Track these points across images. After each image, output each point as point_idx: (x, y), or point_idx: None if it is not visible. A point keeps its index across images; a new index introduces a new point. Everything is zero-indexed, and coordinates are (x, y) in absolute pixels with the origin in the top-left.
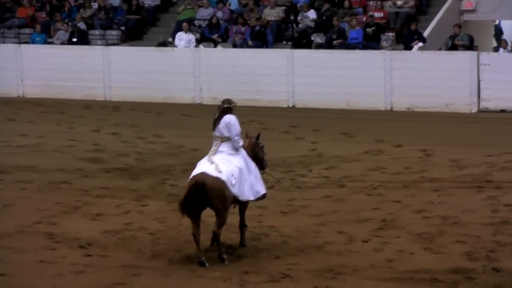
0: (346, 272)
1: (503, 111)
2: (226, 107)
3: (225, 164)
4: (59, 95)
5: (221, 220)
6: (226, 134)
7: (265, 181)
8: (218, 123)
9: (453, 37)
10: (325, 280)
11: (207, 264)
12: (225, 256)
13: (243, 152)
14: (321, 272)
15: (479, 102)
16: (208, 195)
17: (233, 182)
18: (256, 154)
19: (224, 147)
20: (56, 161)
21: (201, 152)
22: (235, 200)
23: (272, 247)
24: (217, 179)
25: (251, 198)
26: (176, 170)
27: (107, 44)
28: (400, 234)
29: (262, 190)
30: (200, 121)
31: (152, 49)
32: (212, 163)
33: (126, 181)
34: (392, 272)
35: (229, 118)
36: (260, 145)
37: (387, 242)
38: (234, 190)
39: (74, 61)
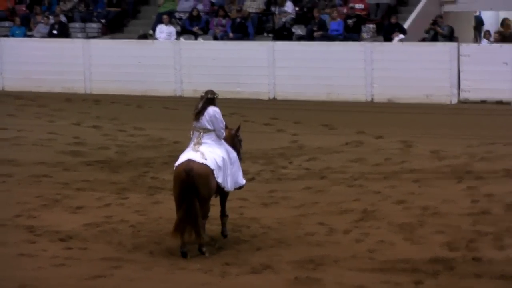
0: (327, 263)
1: (483, 102)
2: (210, 98)
3: (210, 153)
4: (39, 88)
5: (204, 209)
6: (209, 126)
7: (245, 172)
8: (202, 115)
9: (434, 23)
10: (306, 271)
11: (188, 256)
12: (204, 249)
13: (224, 142)
14: (302, 263)
15: (459, 93)
16: (196, 181)
17: (218, 170)
18: (234, 146)
19: (207, 138)
20: (36, 155)
21: (182, 145)
22: (218, 189)
23: (253, 238)
24: (204, 166)
25: (232, 188)
26: (157, 162)
27: (88, 37)
28: (380, 225)
29: (241, 180)
30: (181, 114)
31: (133, 42)
32: (197, 151)
33: (107, 174)
34: (373, 263)
35: (214, 111)
36: (239, 138)
37: (368, 233)
38: (219, 179)
39: (54, 54)
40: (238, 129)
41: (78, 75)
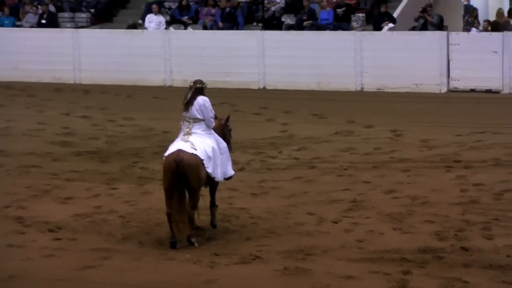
0: (317, 253)
1: (472, 90)
2: (199, 87)
3: (200, 143)
4: (28, 78)
5: (194, 199)
6: (199, 116)
7: (235, 162)
8: (192, 104)
9: (424, 11)
10: (296, 261)
11: (177, 246)
12: (193, 240)
13: (213, 133)
14: (292, 253)
15: (448, 82)
16: (185, 171)
17: (207, 160)
18: (223, 136)
19: (197, 128)
20: (25, 145)
21: (172, 135)
22: (207, 179)
23: (242, 228)
24: (194, 156)
25: (221, 178)
26: (147, 153)
27: (77, 27)
28: (370, 215)
29: (230, 171)
30: (170, 104)
31: (122, 32)
32: (187, 142)
33: (96, 164)
34: (362, 253)
35: (203, 100)
36: (229, 127)
37: (357, 222)
38: (209, 169)
39: (44, 44)
40: (227, 119)
41: (67, 65)
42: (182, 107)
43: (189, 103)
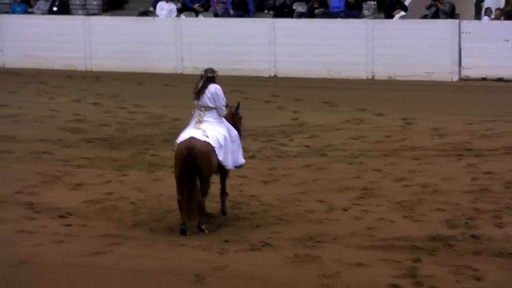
0: (326, 240)
1: (484, 79)
2: (210, 76)
3: (212, 131)
4: (40, 65)
5: (205, 187)
6: (211, 104)
7: (246, 150)
8: (203, 93)
9: None
10: (305, 249)
11: (188, 233)
12: (203, 227)
13: (225, 121)
14: (302, 241)
15: (460, 71)
16: (197, 159)
17: (219, 148)
18: (234, 124)
19: (208, 116)
20: (36, 131)
21: (182, 122)
22: (219, 167)
23: (252, 216)
24: (206, 144)
25: (232, 166)
26: (157, 140)
27: (88, 14)
28: (380, 203)
29: (241, 159)
30: (181, 91)
31: (133, 19)
32: (199, 129)
33: (107, 151)
34: (372, 240)
35: (215, 88)
36: (239, 115)
37: (367, 210)
38: (220, 157)
39: (55, 31)
40: (238, 107)
41: (78, 52)
42: (193, 96)
43: (200, 92)
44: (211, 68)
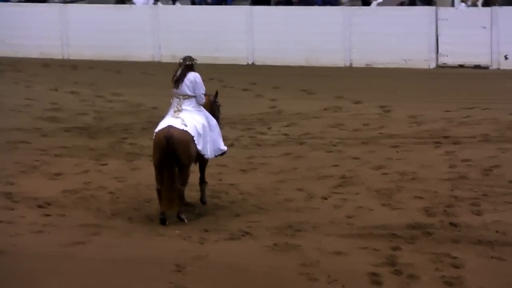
0: (306, 228)
1: (461, 66)
2: (189, 64)
3: (190, 120)
4: (16, 53)
5: (184, 176)
6: (190, 92)
7: (224, 138)
8: (182, 81)
9: None
10: (285, 237)
11: (167, 222)
12: (183, 216)
13: (203, 109)
14: (281, 229)
15: (437, 58)
16: (176, 148)
17: (198, 137)
18: (213, 112)
19: (187, 105)
20: (13, 120)
21: (161, 110)
22: (198, 156)
23: (231, 205)
24: (184, 132)
25: (213, 154)
26: (135, 128)
27: (65, 2)
28: (359, 191)
29: (222, 147)
30: (159, 79)
31: (110, 7)
32: (177, 118)
33: (85, 140)
34: (351, 228)
35: (194, 76)
36: (217, 103)
37: (346, 198)
38: (199, 146)
39: (31, 19)
40: (216, 95)
41: (55, 40)
42: (171, 84)
43: (179, 80)
44: (189, 56)
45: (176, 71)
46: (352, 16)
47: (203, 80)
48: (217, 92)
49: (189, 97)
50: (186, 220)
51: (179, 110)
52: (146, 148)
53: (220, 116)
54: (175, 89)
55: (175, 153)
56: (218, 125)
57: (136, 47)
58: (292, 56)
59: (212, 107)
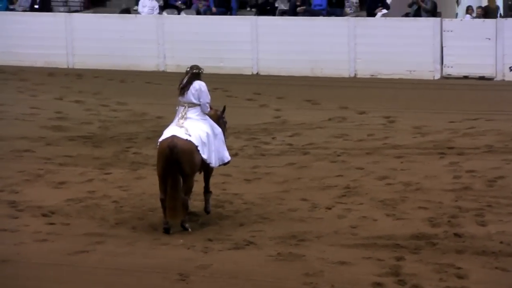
0: (310, 238)
1: (465, 77)
2: (196, 73)
3: (195, 129)
4: (21, 62)
5: (188, 185)
6: (195, 100)
7: (228, 148)
8: (188, 89)
9: None
10: (289, 247)
11: (171, 231)
12: (187, 225)
13: (208, 118)
14: (285, 239)
15: (442, 69)
16: (179, 158)
17: (202, 146)
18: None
19: (192, 113)
20: (18, 129)
21: (165, 120)
22: (202, 165)
23: (235, 214)
24: (188, 142)
25: (217, 164)
26: (140, 138)
27: (70, 11)
28: (363, 201)
29: (226, 156)
30: (164, 89)
31: (115, 16)
32: (181, 127)
33: (89, 149)
34: (355, 239)
35: (200, 85)
36: (224, 119)
37: (350, 208)
38: (204, 155)
39: (36, 28)
40: (223, 111)
41: (60, 49)
42: (177, 92)
43: (184, 88)
44: (196, 65)
45: (183, 79)
46: (357, 27)
47: (208, 90)
48: (224, 108)
49: (194, 105)
50: (190, 229)
51: (184, 118)
52: (150, 158)
53: (225, 132)
54: (180, 96)
55: (179, 162)
56: (223, 134)
57: (140, 56)
58: (296, 67)
59: (218, 121)
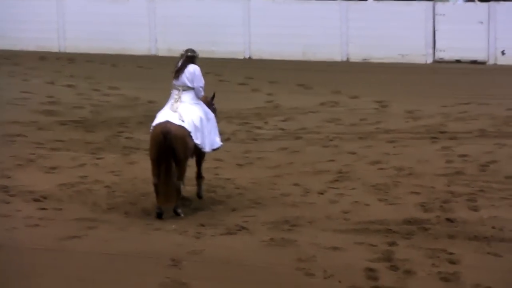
0: (302, 223)
1: (458, 61)
2: (190, 56)
3: (188, 114)
4: (13, 46)
5: (181, 171)
6: (189, 84)
7: (220, 133)
8: (182, 72)
9: None
10: (281, 232)
11: (163, 216)
12: (179, 210)
13: (202, 102)
14: (277, 224)
15: (434, 53)
16: (173, 143)
17: (196, 131)
18: None
19: (186, 96)
20: (10, 114)
21: (157, 104)
22: (195, 150)
23: (228, 199)
24: (181, 127)
25: (210, 148)
26: (132, 122)
27: None
28: (355, 186)
29: (218, 141)
30: (155, 73)
31: (107, 0)
32: (175, 111)
33: (81, 133)
34: (348, 224)
35: (194, 69)
36: (213, 106)
37: (343, 193)
38: (197, 140)
39: (28, 12)
40: (213, 97)
41: (52, 33)
42: (172, 75)
43: (179, 71)
44: (192, 48)
45: (177, 62)
46: (349, 11)
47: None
48: (214, 94)
49: (188, 88)
50: (182, 215)
51: (178, 102)
52: (142, 142)
53: (216, 119)
54: (175, 79)
55: (172, 148)
56: (215, 119)
57: (132, 40)
58: (289, 51)
59: (208, 108)
